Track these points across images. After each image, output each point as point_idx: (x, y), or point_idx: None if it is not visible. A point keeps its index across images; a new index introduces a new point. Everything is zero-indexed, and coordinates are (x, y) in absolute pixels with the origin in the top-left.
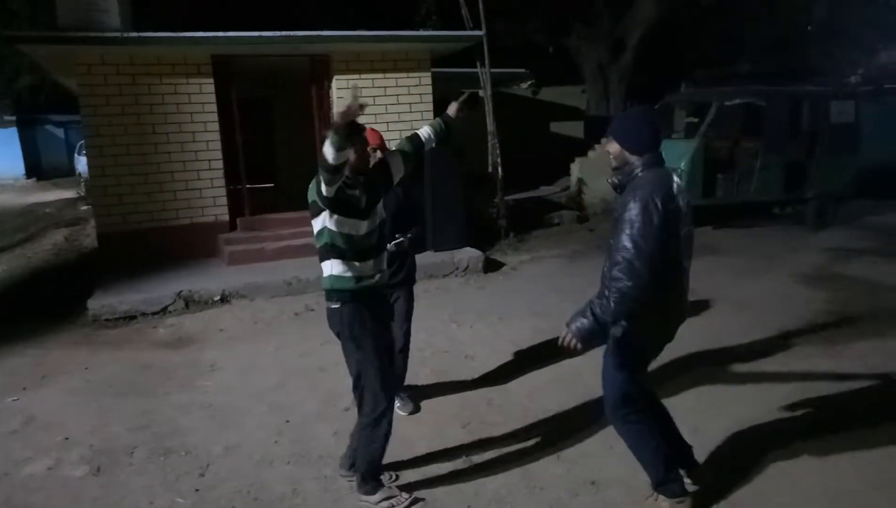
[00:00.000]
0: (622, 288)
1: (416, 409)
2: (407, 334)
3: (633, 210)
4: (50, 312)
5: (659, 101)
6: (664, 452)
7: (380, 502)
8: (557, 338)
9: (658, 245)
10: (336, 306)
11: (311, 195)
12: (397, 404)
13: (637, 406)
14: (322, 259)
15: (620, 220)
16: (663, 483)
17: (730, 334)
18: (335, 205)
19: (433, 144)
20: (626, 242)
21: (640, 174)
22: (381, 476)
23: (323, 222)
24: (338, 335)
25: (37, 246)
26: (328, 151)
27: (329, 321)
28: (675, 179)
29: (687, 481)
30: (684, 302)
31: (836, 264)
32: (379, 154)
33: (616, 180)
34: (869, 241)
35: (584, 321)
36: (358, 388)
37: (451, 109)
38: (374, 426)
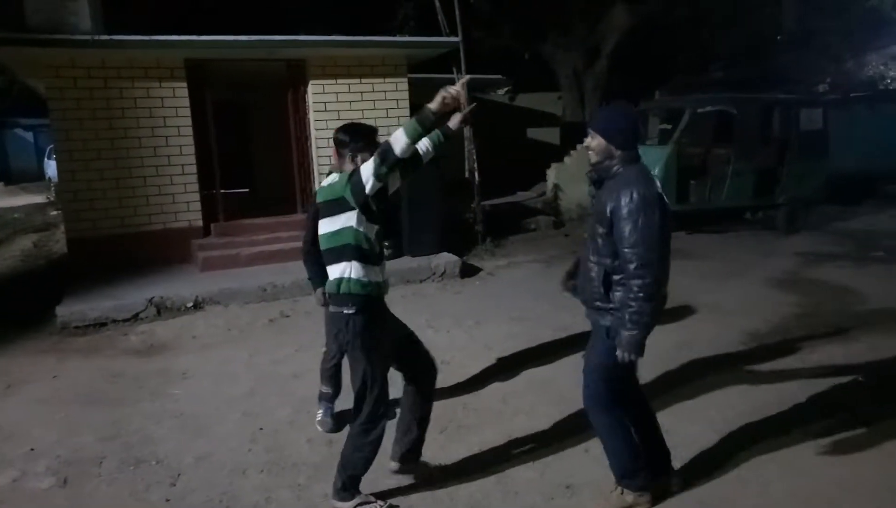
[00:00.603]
0: (647, 285)
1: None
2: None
3: (633, 204)
4: (17, 319)
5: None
6: (633, 445)
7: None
8: (533, 342)
9: (662, 236)
10: (350, 311)
11: (333, 193)
12: None
13: (617, 399)
14: (336, 261)
15: (618, 217)
16: (628, 475)
17: (701, 337)
18: (367, 204)
19: (430, 157)
20: (635, 237)
21: (621, 170)
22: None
23: (347, 221)
24: (336, 336)
25: (4, 252)
26: (401, 141)
27: (333, 325)
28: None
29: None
30: (664, 298)
31: (806, 269)
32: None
33: (595, 176)
34: (838, 246)
35: (631, 334)
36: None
37: (454, 122)
38: (366, 434)
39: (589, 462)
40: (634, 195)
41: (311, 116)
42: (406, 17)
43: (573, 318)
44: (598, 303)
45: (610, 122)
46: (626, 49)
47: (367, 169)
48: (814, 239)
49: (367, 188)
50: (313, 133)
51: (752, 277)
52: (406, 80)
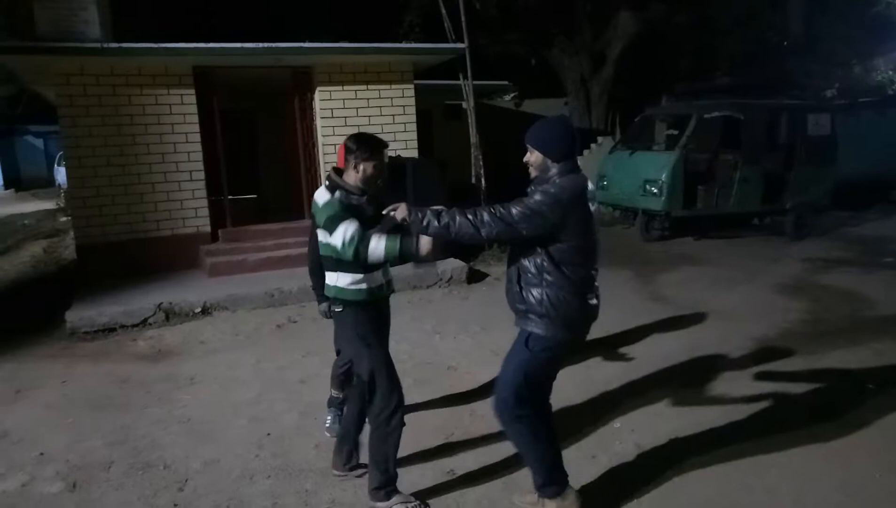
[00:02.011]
0: (474, 234)
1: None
2: None
3: (535, 195)
4: (27, 325)
5: (640, 113)
6: (551, 455)
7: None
8: None
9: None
10: (339, 308)
11: (315, 211)
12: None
13: (527, 409)
14: (330, 268)
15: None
16: (546, 485)
17: (709, 342)
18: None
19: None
20: (512, 208)
21: (556, 181)
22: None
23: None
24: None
25: (14, 258)
26: (377, 256)
27: (336, 325)
28: (589, 184)
29: None
30: (594, 307)
31: (814, 275)
32: None
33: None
34: (846, 251)
35: (426, 220)
36: (371, 389)
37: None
38: (387, 423)
39: (595, 467)
40: (541, 194)
41: (318, 122)
42: (412, 24)
43: None
44: (517, 305)
45: (545, 137)
46: (632, 55)
47: (339, 236)
48: (822, 245)
49: (329, 241)
50: (320, 139)
51: (759, 282)
52: (412, 86)
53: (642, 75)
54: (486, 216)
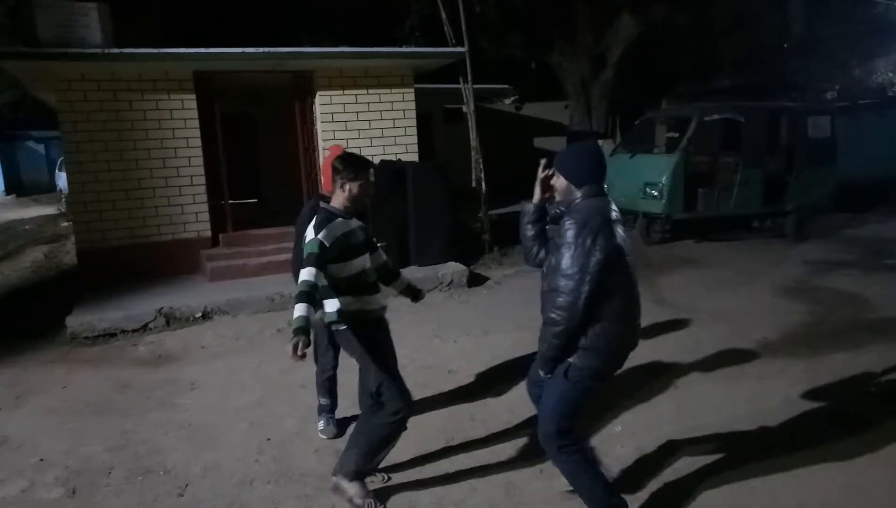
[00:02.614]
0: (558, 333)
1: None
2: None
3: (567, 233)
4: (27, 330)
5: (640, 116)
6: (602, 480)
7: (355, 495)
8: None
9: (595, 270)
10: (342, 328)
11: (306, 249)
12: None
13: (570, 438)
14: (324, 296)
15: (558, 246)
16: None
17: (709, 345)
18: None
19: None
20: (571, 269)
21: (578, 204)
22: (373, 477)
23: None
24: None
25: (15, 263)
26: (305, 280)
27: (340, 343)
28: (613, 208)
29: None
30: (635, 333)
31: (815, 277)
32: None
33: (559, 211)
34: (847, 253)
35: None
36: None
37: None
38: (387, 425)
39: None
40: (573, 225)
41: (319, 126)
42: (412, 28)
43: None
44: None
45: (570, 162)
46: (632, 58)
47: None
48: (822, 247)
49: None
50: (320, 144)
51: (760, 285)
52: (413, 90)
53: (642, 78)
54: (556, 312)
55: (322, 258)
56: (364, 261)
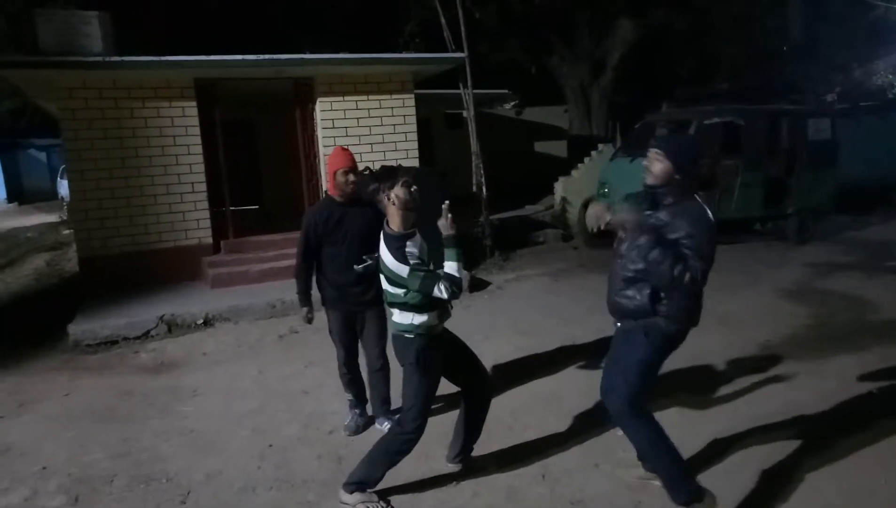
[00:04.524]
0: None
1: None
2: (382, 354)
3: (702, 234)
4: (29, 338)
5: (640, 120)
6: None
7: (357, 502)
8: (543, 356)
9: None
10: (410, 336)
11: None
12: (384, 423)
13: (645, 408)
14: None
15: (681, 241)
16: (677, 491)
17: (711, 348)
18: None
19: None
20: (705, 252)
21: (681, 199)
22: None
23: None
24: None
25: (17, 271)
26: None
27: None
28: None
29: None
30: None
31: (817, 279)
32: (351, 176)
33: (655, 193)
34: (849, 256)
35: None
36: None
37: None
38: (397, 442)
39: (598, 476)
40: (702, 225)
41: (319, 133)
42: (412, 34)
43: (582, 331)
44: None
45: (683, 151)
46: (631, 62)
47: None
48: (824, 249)
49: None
50: (321, 150)
51: (762, 287)
52: (413, 96)
53: (642, 82)
54: (691, 272)
55: (425, 269)
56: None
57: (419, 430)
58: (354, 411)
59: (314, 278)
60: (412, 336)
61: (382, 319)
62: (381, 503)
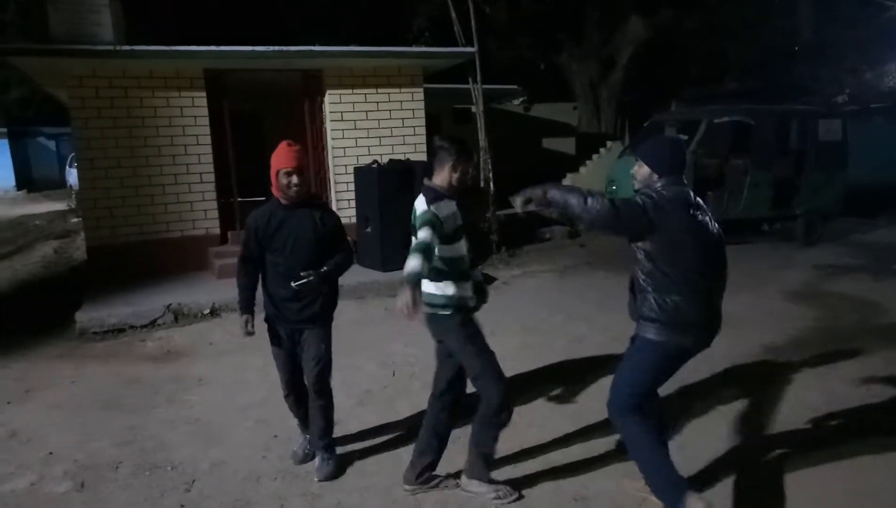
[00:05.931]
0: (586, 198)
1: (336, 474)
2: (320, 380)
3: (636, 197)
4: (37, 325)
5: (648, 118)
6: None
7: (488, 491)
8: (548, 353)
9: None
10: (446, 313)
11: (418, 219)
12: (316, 462)
13: (642, 413)
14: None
15: None
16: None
17: (717, 350)
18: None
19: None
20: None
21: (658, 189)
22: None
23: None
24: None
25: (25, 259)
26: (423, 240)
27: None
28: (691, 194)
29: None
30: (717, 316)
31: (824, 281)
32: (295, 179)
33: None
34: (856, 258)
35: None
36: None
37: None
38: (491, 419)
39: (602, 474)
40: (642, 194)
41: (328, 125)
42: (422, 28)
43: (588, 329)
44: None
45: (653, 152)
46: (641, 60)
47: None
48: (832, 251)
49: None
50: (329, 142)
51: (769, 289)
52: (422, 90)
53: (651, 80)
54: (593, 197)
55: (436, 227)
56: (465, 246)
57: (504, 396)
58: (305, 435)
59: (258, 288)
60: (449, 313)
61: (324, 341)
62: (508, 488)
